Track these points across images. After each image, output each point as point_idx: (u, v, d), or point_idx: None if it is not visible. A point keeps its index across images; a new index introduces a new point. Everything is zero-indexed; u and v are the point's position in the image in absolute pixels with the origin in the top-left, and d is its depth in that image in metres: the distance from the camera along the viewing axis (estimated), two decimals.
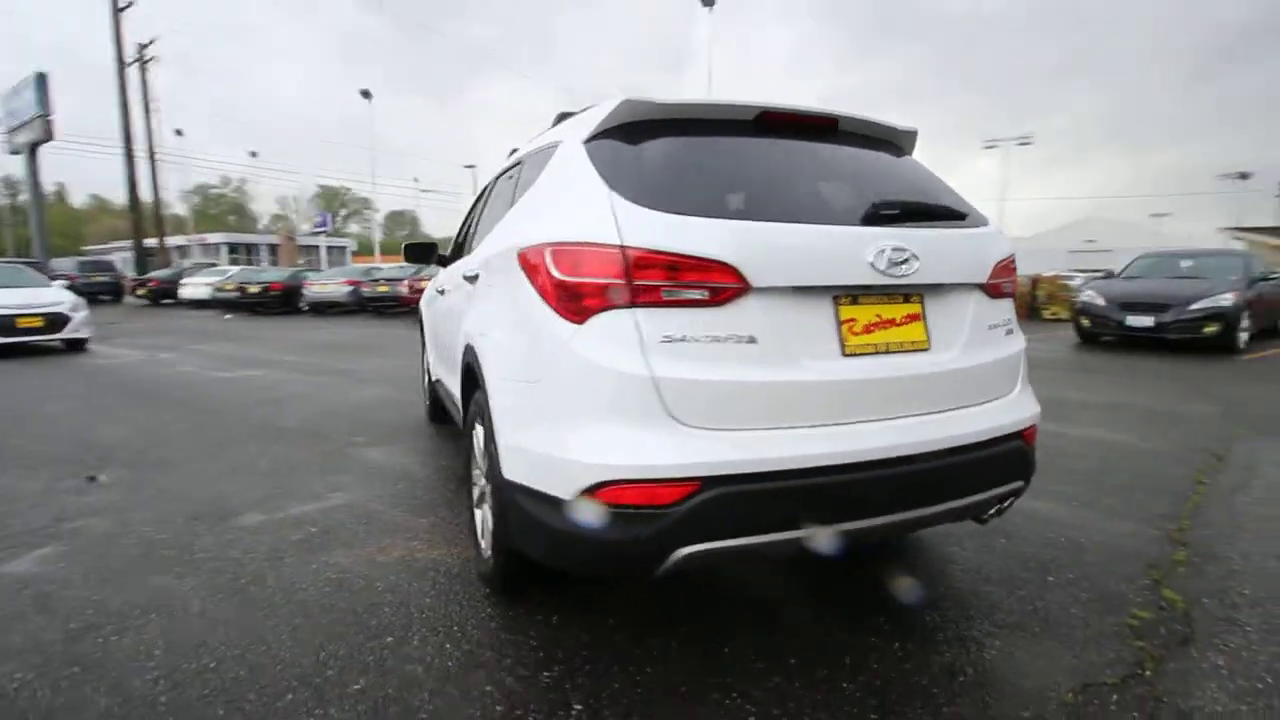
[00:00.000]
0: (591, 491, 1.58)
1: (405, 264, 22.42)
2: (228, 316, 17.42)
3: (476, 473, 2.50)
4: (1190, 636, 2.05)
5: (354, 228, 75.59)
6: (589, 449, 1.60)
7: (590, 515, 1.58)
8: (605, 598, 2.26)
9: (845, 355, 1.69)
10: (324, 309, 18.23)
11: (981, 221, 2.00)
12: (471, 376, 2.39)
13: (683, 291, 1.58)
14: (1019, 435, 1.95)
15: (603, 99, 1.99)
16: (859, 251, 1.69)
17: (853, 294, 1.72)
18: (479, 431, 2.35)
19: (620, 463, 1.55)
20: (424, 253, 4.10)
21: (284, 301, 18.81)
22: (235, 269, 22.62)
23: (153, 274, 24.22)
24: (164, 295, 22.49)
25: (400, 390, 6.21)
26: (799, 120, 1.99)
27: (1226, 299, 7.87)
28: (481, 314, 2.18)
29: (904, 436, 1.69)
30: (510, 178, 2.74)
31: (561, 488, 1.64)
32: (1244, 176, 39.38)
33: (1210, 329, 7.81)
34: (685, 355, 1.58)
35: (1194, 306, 7.90)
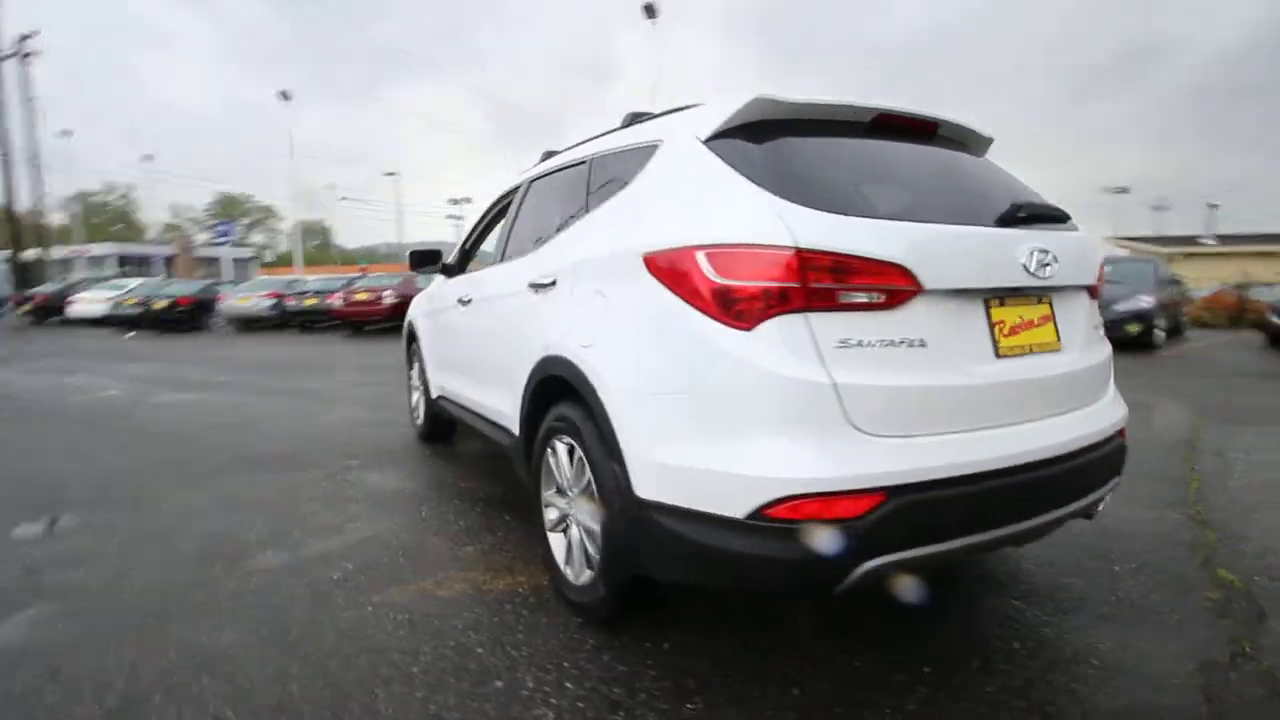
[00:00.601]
0: (770, 508, 1.48)
1: (335, 275, 21.36)
2: (130, 335, 15.89)
3: (549, 494, 2.34)
4: (1263, 612, 2.18)
5: (258, 238, 71.07)
6: (766, 463, 1.50)
7: (768, 533, 1.49)
8: (705, 617, 2.16)
9: (999, 357, 1.69)
10: (242, 325, 16.95)
11: (1075, 225, 2.07)
12: (554, 390, 2.23)
13: (858, 294, 1.53)
14: (1120, 432, 2.02)
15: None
16: (1013, 253, 1.69)
17: (1001, 296, 1.72)
18: (561, 450, 2.20)
19: (803, 475, 1.47)
20: (429, 260, 3.85)
21: (194, 317, 17.36)
22: (135, 282, 20.67)
23: (37, 289, 21.76)
24: (50, 313, 20.23)
25: (373, 410, 5.82)
26: (908, 123, 1.98)
27: (1146, 301, 8.64)
28: (580, 323, 2.03)
29: (1052, 436, 1.70)
30: (568, 181, 2.59)
31: (730, 505, 1.54)
32: (1123, 190, 43.88)
33: (1133, 328, 8.54)
34: (862, 361, 1.52)
35: (1117, 308, 8.61)
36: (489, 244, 3.92)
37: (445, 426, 4.47)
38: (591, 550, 2.05)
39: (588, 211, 2.29)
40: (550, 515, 2.38)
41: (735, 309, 1.55)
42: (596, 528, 1.99)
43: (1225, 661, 1.91)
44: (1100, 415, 1.91)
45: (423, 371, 4.26)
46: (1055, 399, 1.79)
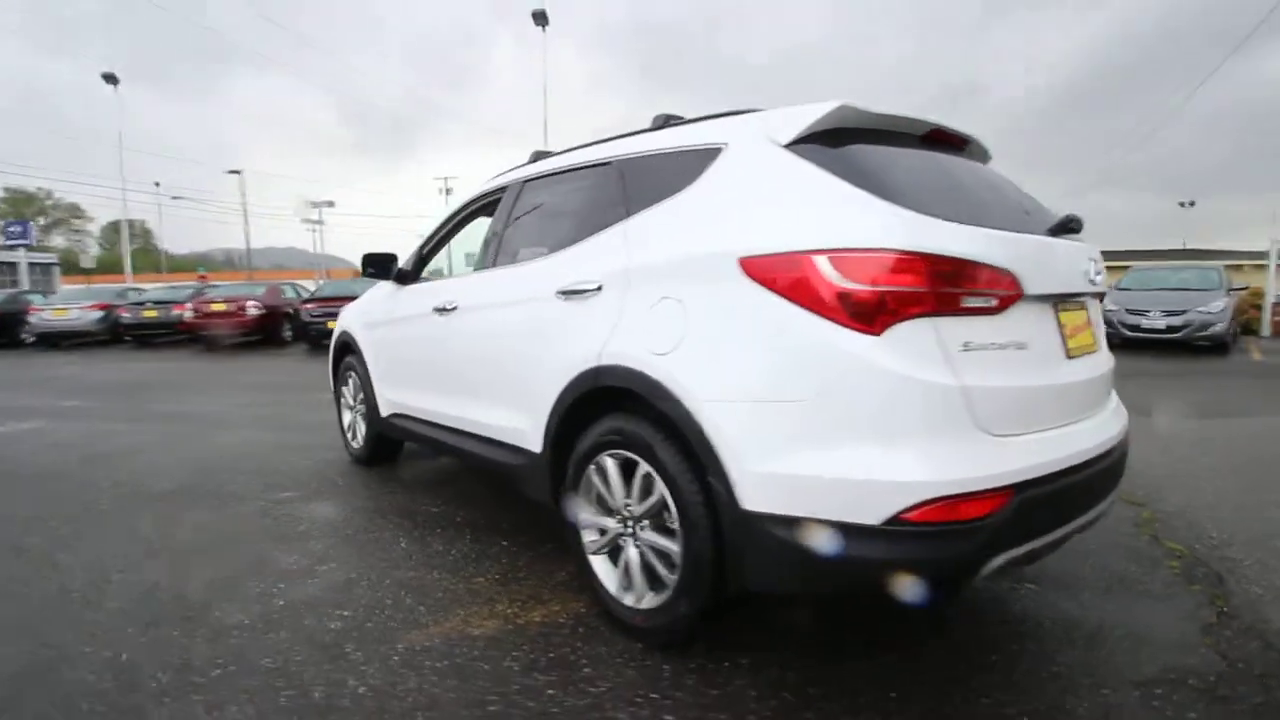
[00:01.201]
0: (909, 512, 1.48)
1: (180, 285, 18.68)
2: None
3: (591, 515, 2.19)
4: (1218, 575, 2.53)
5: (57, 240, 61.08)
6: (904, 467, 1.50)
7: (905, 537, 1.49)
8: (758, 628, 2.12)
9: (1069, 358, 1.82)
10: (60, 341, 14.42)
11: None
12: (599, 403, 2.10)
13: (976, 299, 1.57)
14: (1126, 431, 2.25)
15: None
16: (1079, 262, 1.84)
17: (1062, 301, 1.86)
18: (611, 467, 2.07)
19: (942, 478, 1.48)
20: (383, 265, 3.50)
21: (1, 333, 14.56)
22: None
23: None
24: None
25: (278, 432, 5.17)
26: (950, 137, 2.09)
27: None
28: (649, 330, 1.91)
29: (1104, 432, 1.86)
30: (588, 183, 2.46)
31: (863, 512, 1.51)
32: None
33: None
34: (981, 363, 1.57)
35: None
36: (455, 248, 3.67)
37: (390, 448, 4.07)
38: (664, 571, 1.94)
39: (629, 215, 2.18)
40: (591, 537, 2.23)
41: (863, 313, 1.54)
42: (674, 547, 1.88)
43: (1215, 622, 2.19)
44: (1119, 413, 2.13)
45: (365, 388, 3.84)
46: (1099, 398, 1.96)
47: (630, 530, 2.06)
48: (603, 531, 2.18)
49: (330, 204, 43.19)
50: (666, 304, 1.90)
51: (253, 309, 13.35)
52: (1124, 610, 2.26)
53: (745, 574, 1.71)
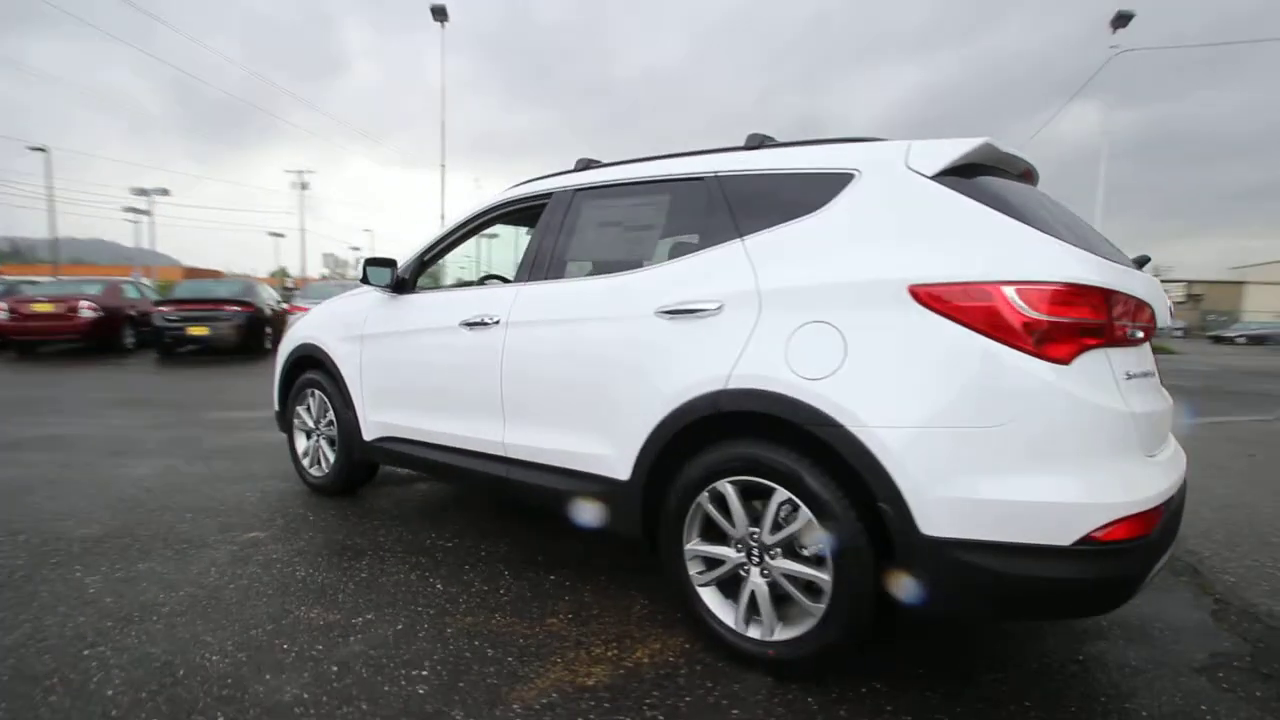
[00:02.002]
0: (1098, 532, 1.56)
1: None
2: None
3: (703, 546, 2.10)
4: (1192, 568, 2.93)
5: None
6: (1093, 489, 1.58)
7: (1092, 557, 1.57)
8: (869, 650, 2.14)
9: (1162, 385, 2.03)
10: None
11: None
12: (717, 427, 2.02)
13: (1136, 331, 1.71)
14: None
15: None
16: (1163, 297, 2.05)
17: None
18: (732, 495, 1.99)
19: (1127, 499, 1.58)
20: (386, 271, 3.13)
21: None
22: None
23: None
24: None
25: (194, 459, 4.44)
26: (1028, 173, 2.26)
27: None
28: (800, 354, 1.85)
29: (1181, 456, 2.08)
30: (676, 197, 2.37)
31: (1053, 534, 1.58)
32: None
33: None
34: (1135, 390, 1.70)
35: None
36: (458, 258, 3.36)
37: (363, 475, 3.64)
38: (806, 600, 1.89)
39: (743, 234, 2.13)
40: (698, 569, 2.12)
41: (1051, 343, 1.61)
42: (822, 575, 1.84)
43: (1219, 608, 2.53)
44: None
45: (341, 409, 3.40)
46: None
47: (756, 560, 1.99)
48: (716, 562, 2.09)
49: (164, 192, 37.98)
50: (817, 328, 1.87)
51: (87, 310, 11.37)
52: (1149, 604, 2.54)
53: (931, 600, 1.71)
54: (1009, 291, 1.64)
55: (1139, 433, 1.68)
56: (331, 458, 3.57)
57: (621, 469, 2.27)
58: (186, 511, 3.34)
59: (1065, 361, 1.61)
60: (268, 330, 12.02)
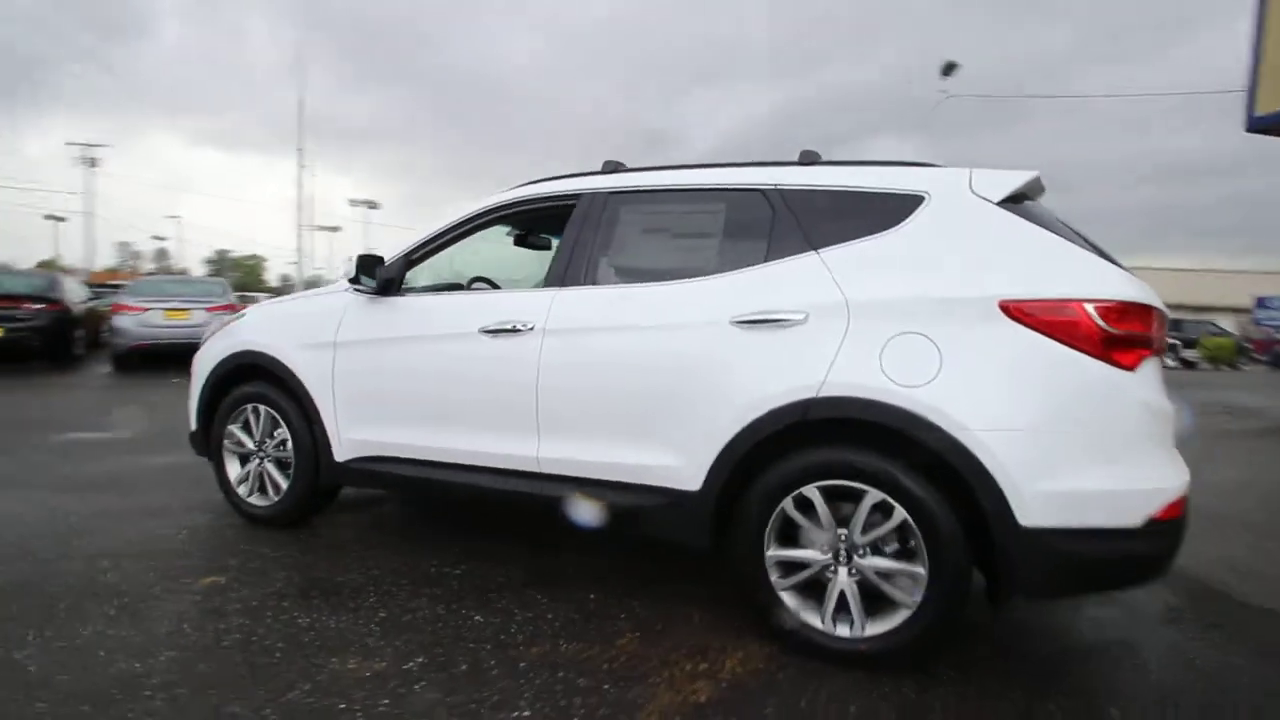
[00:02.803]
0: (1158, 513, 1.84)
1: None
2: None
3: (782, 551, 2.14)
4: None
5: None
6: (1156, 476, 1.86)
7: (1153, 535, 1.85)
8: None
9: None
10: None
11: None
12: (798, 435, 2.08)
13: (1164, 341, 2.02)
14: None
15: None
16: None
17: None
18: (817, 500, 2.06)
19: (1178, 483, 1.88)
20: (371, 267, 2.79)
21: None
22: None
23: None
24: None
25: (63, 493, 3.62)
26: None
27: None
28: (900, 363, 1.94)
29: None
30: (733, 208, 2.39)
31: (1126, 517, 1.83)
32: None
33: None
34: (1164, 392, 2.02)
35: None
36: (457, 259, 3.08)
37: (322, 503, 3.21)
38: (899, 594, 2.00)
39: (816, 247, 2.20)
40: (777, 575, 2.15)
41: (1120, 354, 1.87)
42: (917, 569, 1.96)
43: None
44: None
45: (302, 427, 2.97)
46: None
47: (844, 560, 2.08)
48: (796, 566, 2.14)
49: None
50: (911, 339, 1.99)
51: None
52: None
53: (1016, 583, 1.89)
54: (1089, 308, 1.88)
55: (1172, 428, 2.00)
56: (283, 483, 3.10)
57: (691, 479, 2.24)
58: (101, 557, 2.72)
59: (1132, 368, 1.88)
60: (77, 333, 10.03)
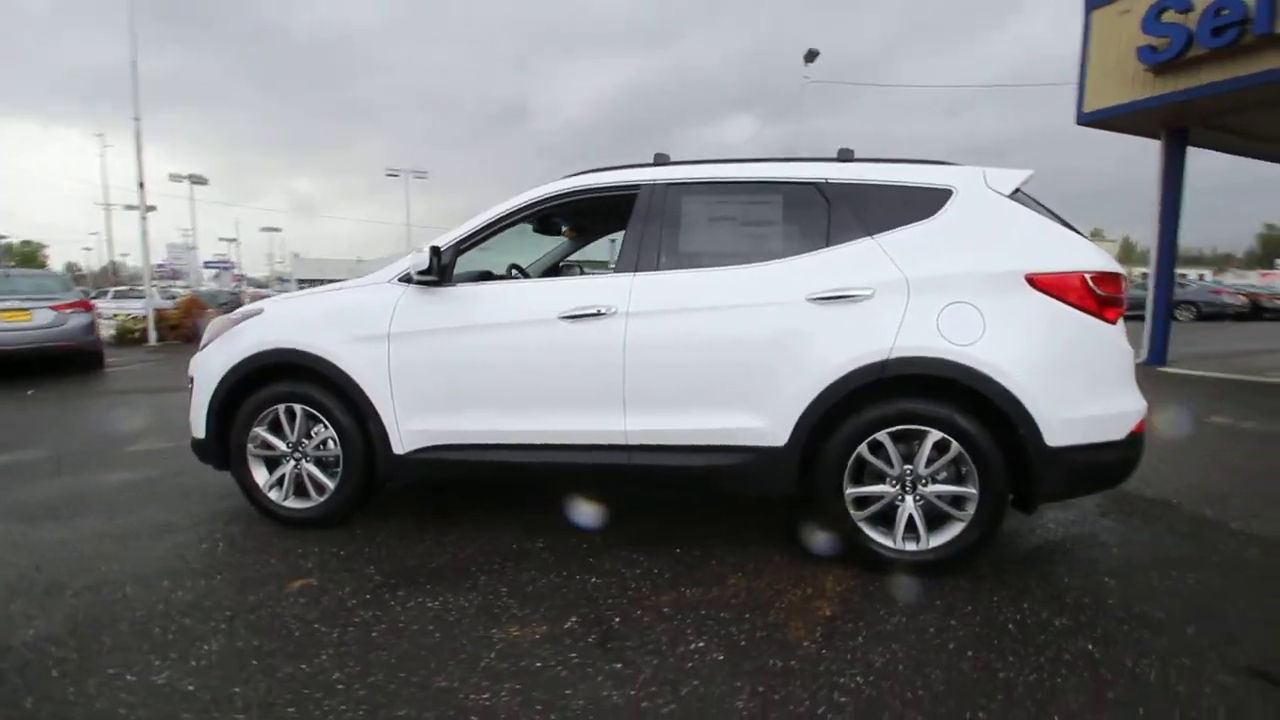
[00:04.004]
0: (1134, 428, 2.50)
1: None
2: None
3: (852, 490, 2.57)
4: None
5: None
6: (1131, 401, 2.51)
7: (1131, 444, 2.50)
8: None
9: None
10: None
11: None
12: (870, 391, 2.51)
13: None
14: None
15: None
16: None
17: None
18: (888, 444, 2.51)
19: (1141, 406, 2.54)
20: (434, 258, 2.81)
21: None
22: None
23: None
24: None
25: (38, 523, 3.22)
26: None
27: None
28: (954, 327, 2.41)
29: None
30: (789, 199, 2.74)
31: (1116, 432, 2.46)
32: None
33: None
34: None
35: None
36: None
37: (366, 498, 3.16)
38: (955, 511, 2.50)
39: (871, 233, 2.62)
40: (855, 508, 2.58)
41: (1108, 311, 2.48)
42: (969, 490, 2.48)
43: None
44: None
45: (357, 421, 2.93)
46: None
47: (910, 490, 2.55)
48: (871, 499, 2.58)
49: None
50: (959, 307, 2.47)
51: None
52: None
53: (1044, 491, 2.47)
54: (1088, 277, 2.47)
55: (1133, 366, 2.68)
56: (329, 482, 3.02)
57: (777, 436, 2.60)
58: (151, 579, 2.54)
59: (1113, 322, 2.51)
60: None
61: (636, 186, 2.89)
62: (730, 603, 2.37)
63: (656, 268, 2.77)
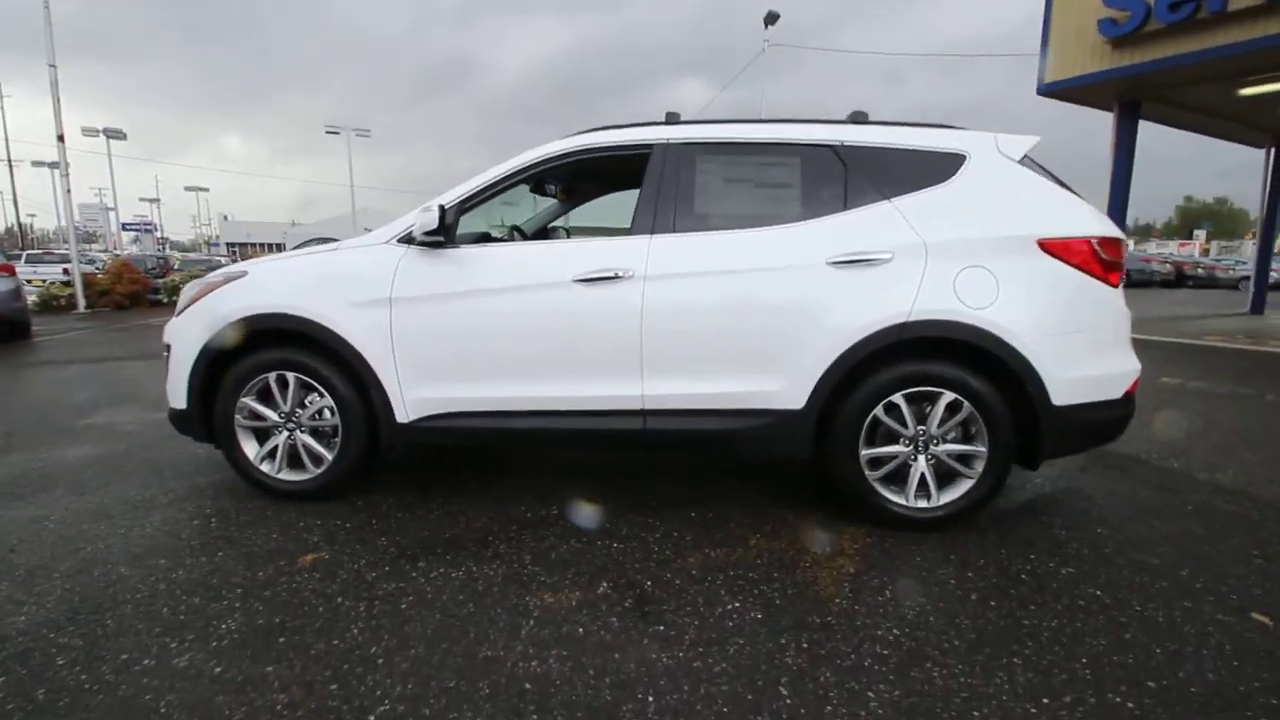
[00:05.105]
0: (1129, 388, 2.62)
1: None
2: None
3: (867, 451, 2.62)
4: None
5: None
6: (1127, 362, 2.62)
7: (1125, 403, 2.63)
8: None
9: None
10: None
11: None
12: (891, 352, 2.55)
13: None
14: None
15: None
16: None
17: None
18: (903, 406, 2.57)
19: (1136, 367, 2.66)
20: (441, 219, 2.67)
21: None
22: None
23: None
24: None
25: (83, 494, 2.97)
26: None
27: None
28: (964, 290, 2.46)
29: None
30: (807, 161, 2.70)
31: (1113, 391, 2.58)
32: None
33: None
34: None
35: None
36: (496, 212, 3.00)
37: (364, 468, 3.04)
38: (964, 469, 2.59)
39: (887, 198, 2.62)
40: (869, 468, 2.64)
41: (1112, 275, 2.56)
42: (979, 448, 2.57)
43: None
44: None
45: (356, 390, 2.80)
46: None
47: (923, 450, 2.62)
48: (883, 460, 2.65)
49: None
50: (975, 271, 2.52)
51: None
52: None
53: (1048, 448, 2.57)
54: (1094, 242, 2.54)
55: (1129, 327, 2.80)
56: (326, 454, 2.89)
57: (795, 399, 2.62)
58: (152, 557, 2.40)
59: (1115, 285, 2.61)
60: None
61: (649, 146, 2.81)
62: (756, 563, 2.40)
63: (673, 230, 2.71)
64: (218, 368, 2.89)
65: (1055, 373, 2.51)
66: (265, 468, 2.94)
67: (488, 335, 2.75)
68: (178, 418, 2.98)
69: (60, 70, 13.04)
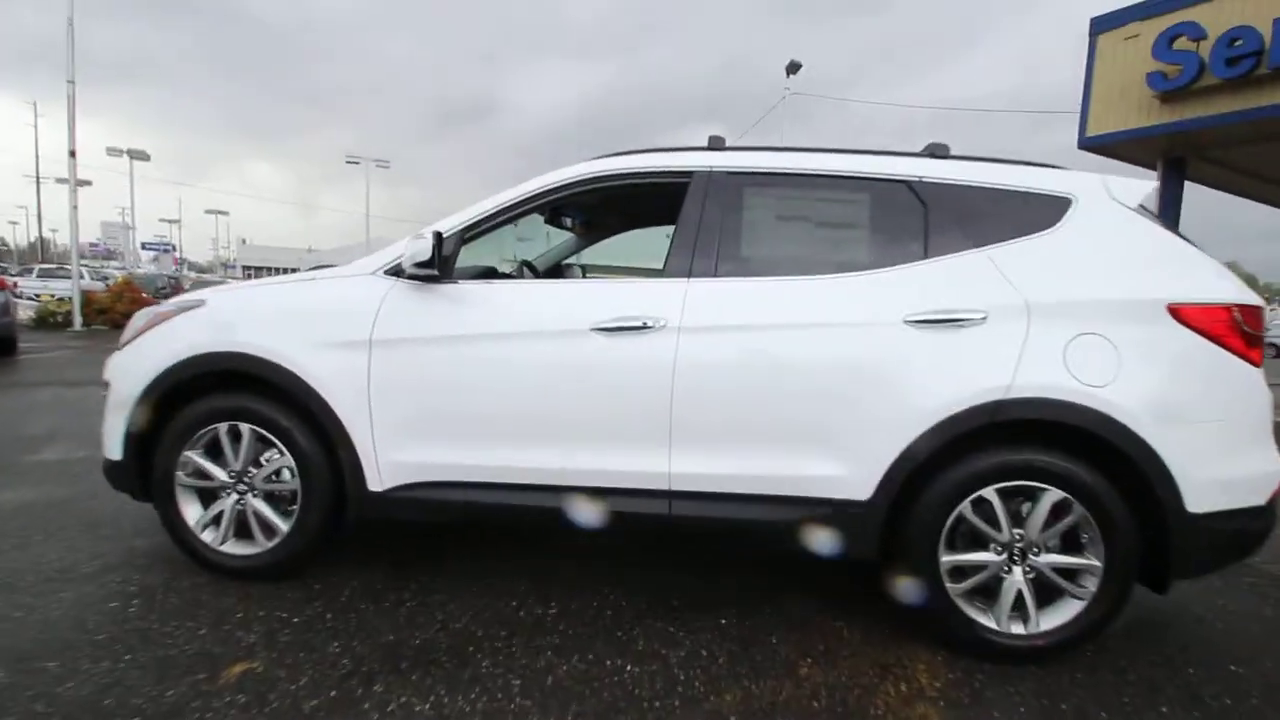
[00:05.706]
0: (1276, 490, 2.09)
1: None
2: None
3: (958, 556, 2.10)
4: None
5: None
6: (1273, 459, 2.09)
7: (1267, 511, 2.08)
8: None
9: None
10: None
11: None
12: (984, 437, 2.05)
13: None
14: None
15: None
16: None
17: None
18: (996, 505, 2.05)
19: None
20: (435, 248, 2.21)
21: None
22: None
23: None
24: None
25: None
26: None
27: None
28: (1083, 364, 1.96)
29: None
30: (875, 199, 2.25)
31: (1257, 496, 2.05)
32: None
33: None
34: None
35: None
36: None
37: (324, 543, 2.52)
38: (1071, 587, 2.06)
39: (980, 245, 2.15)
40: (951, 579, 2.11)
41: (1254, 352, 2.06)
42: (1093, 561, 2.04)
43: None
44: None
45: (321, 449, 2.31)
46: None
47: (1019, 559, 2.09)
48: (970, 570, 2.11)
49: None
50: (1090, 339, 2.02)
51: None
52: None
53: (1180, 564, 2.04)
54: (1237, 313, 2.05)
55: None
56: (281, 524, 2.38)
57: (861, 489, 2.10)
58: (13, 666, 1.87)
59: (1259, 364, 2.10)
60: None
61: (689, 174, 2.36)
62: (812, 706, 1.85)
63: (715, 274, 2.24)
64: (161, 414, 2.41)
65: (1191, 471, 1.99)
66: (207, 536, 2.43)
67: (484, 389, 2.27)
68: (111, 470, 2.49)
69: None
